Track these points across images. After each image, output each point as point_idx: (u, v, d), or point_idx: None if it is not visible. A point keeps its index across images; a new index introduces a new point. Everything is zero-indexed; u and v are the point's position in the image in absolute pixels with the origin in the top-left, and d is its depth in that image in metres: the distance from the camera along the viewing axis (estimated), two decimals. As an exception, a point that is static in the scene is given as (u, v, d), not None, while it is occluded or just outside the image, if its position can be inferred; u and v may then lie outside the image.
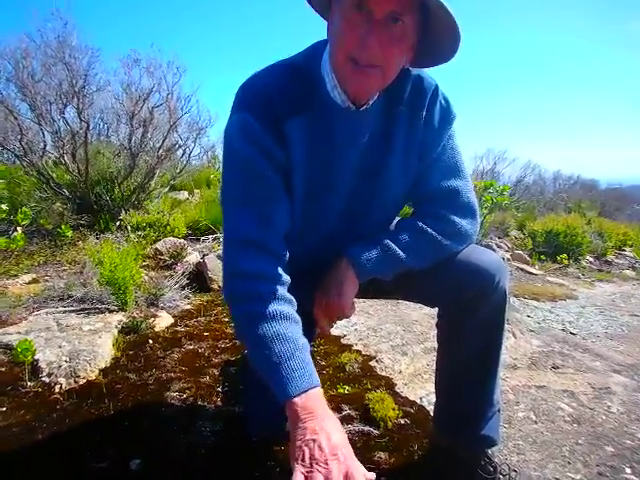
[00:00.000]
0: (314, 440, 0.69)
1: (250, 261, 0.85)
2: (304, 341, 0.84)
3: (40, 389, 1.41)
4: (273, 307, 0.82)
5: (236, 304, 0.87)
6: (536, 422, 1.45)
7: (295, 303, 0.89)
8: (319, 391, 0.79)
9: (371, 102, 0.90)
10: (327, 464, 0.66)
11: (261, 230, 0.86)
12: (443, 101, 0.97)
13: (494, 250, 4.31)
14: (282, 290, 0.86)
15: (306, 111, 0.88)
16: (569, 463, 1.24)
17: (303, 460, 0.67)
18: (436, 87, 0.96)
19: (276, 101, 0.86)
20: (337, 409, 1.39)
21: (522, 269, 4.06)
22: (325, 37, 0.89)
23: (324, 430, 0.71)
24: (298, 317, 0.87)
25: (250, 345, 0.86)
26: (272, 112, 0.85)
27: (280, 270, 0.88)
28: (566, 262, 4.48)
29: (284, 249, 0.90)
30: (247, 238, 0.85)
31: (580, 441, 1.35)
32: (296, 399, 0.75)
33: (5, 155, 4.14)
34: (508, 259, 4.31)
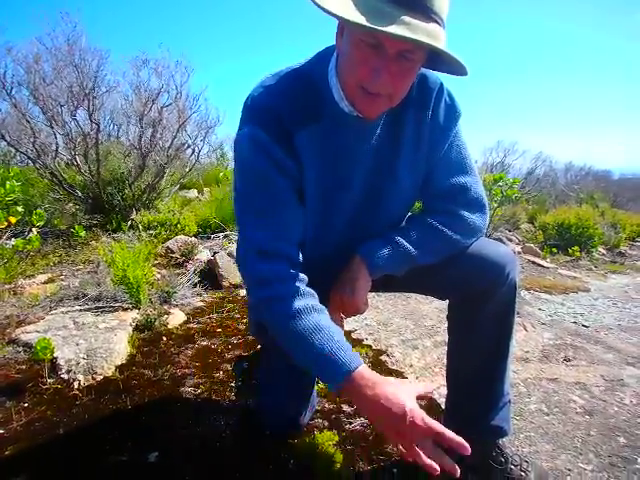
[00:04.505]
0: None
1: (268, 268, 0.89)
2: (336, 327, 0.89)
3: (59, 386, 1.45)
4: (299, 303, 0.87)
5: (266, 308, 0.91)
6: (548, 414, 1.45)
7: (316, 295, 0.93)
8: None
9: None
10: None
11: (276, 240, 0.90)
12: (448, 99, 0.98)
13: (504, 243, 4.28)
14: (302, 286, 0.91)
15: (315, 121, 0.90)
16: (581, 454, 1.25)
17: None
18: (441, 85, 0.97)
19: (285, 114, 0.88)
20: (348, 402, 1.41)
21: (533, 262, 4.03)
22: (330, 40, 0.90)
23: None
24: (323, 307, 0.92)
25: (289, 342, 0.90)
26: (282, 125, 0.88)
27: (297, 271, 0.92)
28: (578, 254, 4.43)
29: (299, 254, 0.94)
30: (263, 248, 0.90)
31: (592, 432, 1.36)
32: (356, 372, 0.81)
33: (19, 157, 4.21)
34: (519, 252, 4.28)
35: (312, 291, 0.93)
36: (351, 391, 0.81)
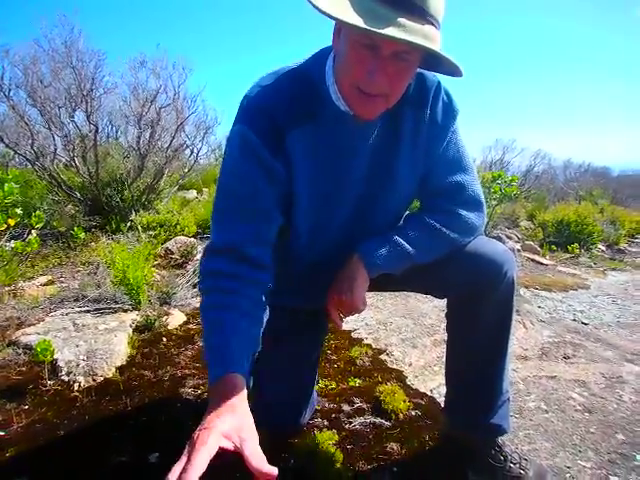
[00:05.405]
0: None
1: (228, 265, 0.86)
2: (245, 334, 0.82)
3: (60, 387, 1.46)
4: (238, 301, 0.84)
5: (206, 296, 0.88)
6: (547, 412, 1.45)
7: (266, 308, 0.90)
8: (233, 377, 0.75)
9: None
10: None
11: (246, 243, 0.88)
12: (445, 97, 0.98)
13: (504, 241, 4.28)
14: (254, 292, 0.88)
15: (311, 120, 0.89)
16: (580, 451, 1.25)
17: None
18: (438, 84, 0.97)
19: (279, 113, 0.87)
20: (348, 401, 1.42)
21: (533, 260, 4.03)
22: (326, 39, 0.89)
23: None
24: (261, 319, 0.88)
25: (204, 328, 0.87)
26: (274, 125, 0.87)
27: (258, 275, 0.89)
28: (577, 252, 4.43)
29: (268, 261, 0.91)
30: (231, 247, 0.87)
31: (591, 430, 1.36)
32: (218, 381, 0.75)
33: (17, 159, 4.21)
34: (518, 250, 4.28)
35: (259, 300, 0.88)
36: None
